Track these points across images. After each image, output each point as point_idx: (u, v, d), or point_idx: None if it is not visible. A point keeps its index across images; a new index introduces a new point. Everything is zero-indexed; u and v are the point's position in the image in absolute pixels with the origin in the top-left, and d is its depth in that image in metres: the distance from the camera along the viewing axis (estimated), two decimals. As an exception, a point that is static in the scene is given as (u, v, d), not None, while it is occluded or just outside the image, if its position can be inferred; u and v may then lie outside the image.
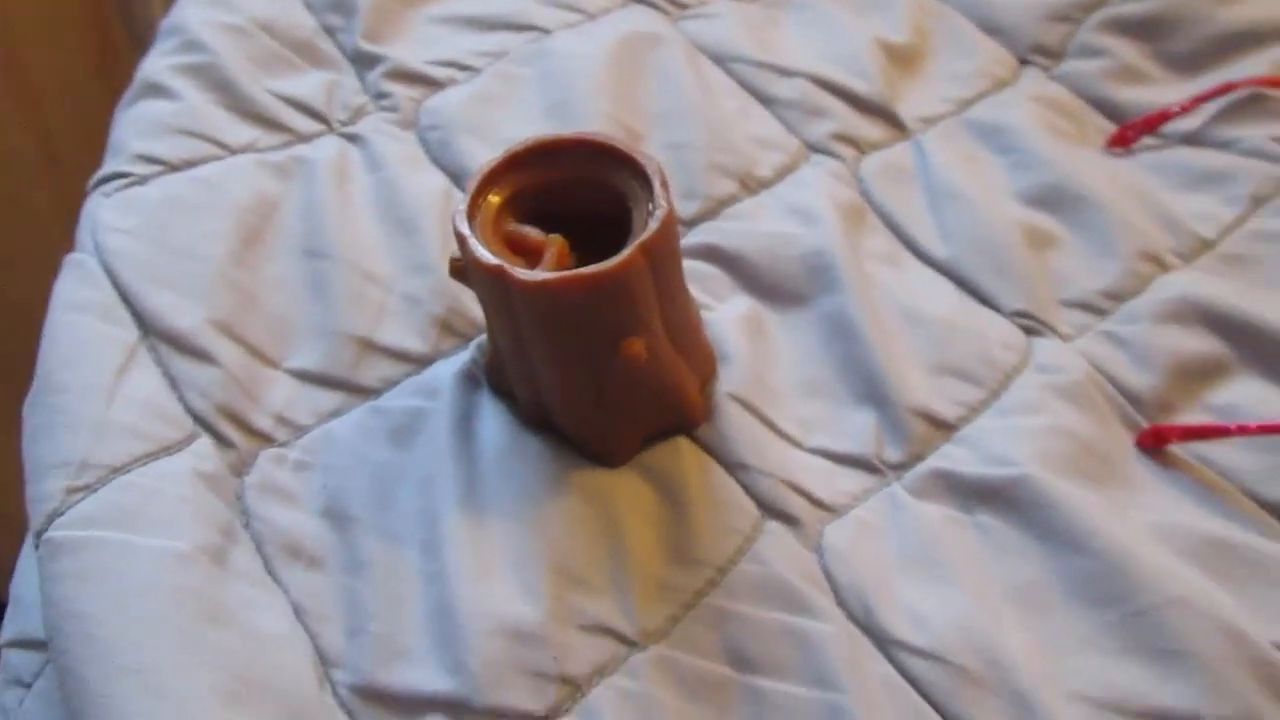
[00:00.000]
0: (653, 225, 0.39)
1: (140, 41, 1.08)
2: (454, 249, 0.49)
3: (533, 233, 0.41)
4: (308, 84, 0.57)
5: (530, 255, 0.41)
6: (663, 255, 0.40)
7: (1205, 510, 0.42)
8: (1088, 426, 0.44)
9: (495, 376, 0.45)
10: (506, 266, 0.38)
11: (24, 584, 0.42)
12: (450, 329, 0.48)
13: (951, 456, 0.44)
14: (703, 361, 0.46)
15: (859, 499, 0.43)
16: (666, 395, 0.43)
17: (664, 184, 0.40)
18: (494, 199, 0.42)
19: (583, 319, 0.39)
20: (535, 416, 0.44)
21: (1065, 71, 0.61)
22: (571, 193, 0.43)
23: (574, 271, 0.38)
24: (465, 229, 0.40)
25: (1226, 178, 0.53)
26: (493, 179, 0.42)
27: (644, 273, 0.39)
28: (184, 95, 0.54)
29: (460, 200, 0.41)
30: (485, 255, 0.39)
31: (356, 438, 0.44)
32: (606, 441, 0.43)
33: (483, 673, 0.37)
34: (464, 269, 0.42)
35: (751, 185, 0.54)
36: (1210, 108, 0.56)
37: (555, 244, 0.40)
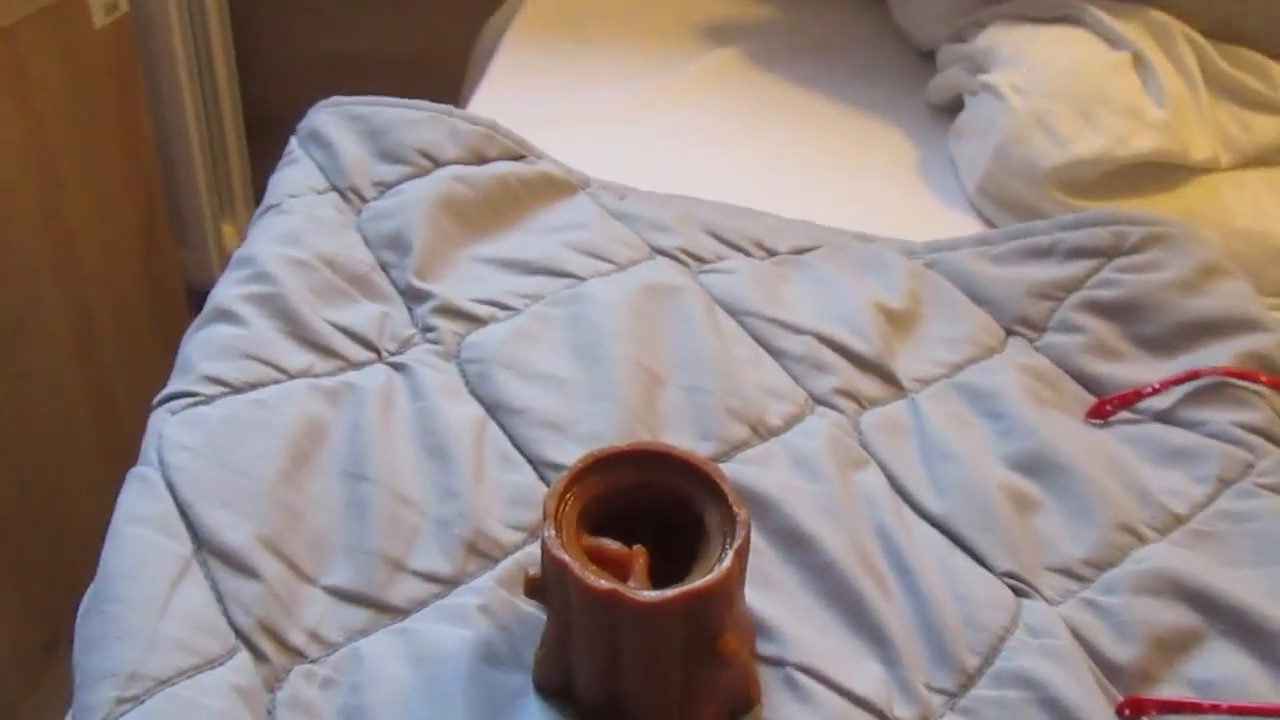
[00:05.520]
0: (740, 531, 0.42)
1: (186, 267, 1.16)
2: (489, 494, 0.52)
3: (612, 545, 0.43)
4: (362, 315, 0.63)
5: (611, 565, 0.43)
6: (745, 555, 0.43)
7: (1181, 782, 0.45)
8: (1072, 693, 0.47)
9: (549, 678, 0.45)
10: (621, 589, 0.40)
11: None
12: (475, 550, 0.51)
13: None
14: (749, 634, 0.47)
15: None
16: (738, 678, 0.45)
17: (731, 487, 0.44)
18: (569, 515, 0.44)
19: (686, 625, 0.41)
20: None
21: (1047, 343, 0.67)
22: (627, 496, 0.45)
23: (686, 587, 0.41)
24: (566, 557, 0.41)
25: (1196, 457, 0.58)
26: (563, 495, 0.44)
27: (737, 576, 0.42)
28: (251, 322, 0.59)
29: (547, 528, 0.43)
30: (595, 582, 0.41)
31: (381, 658, 0.47)
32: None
33: None
34: (540, 587, 0.43)
35: (762, 431, 0.59)
36: (1179, 390, 0.62)
37: (640, 555, 0.43)
